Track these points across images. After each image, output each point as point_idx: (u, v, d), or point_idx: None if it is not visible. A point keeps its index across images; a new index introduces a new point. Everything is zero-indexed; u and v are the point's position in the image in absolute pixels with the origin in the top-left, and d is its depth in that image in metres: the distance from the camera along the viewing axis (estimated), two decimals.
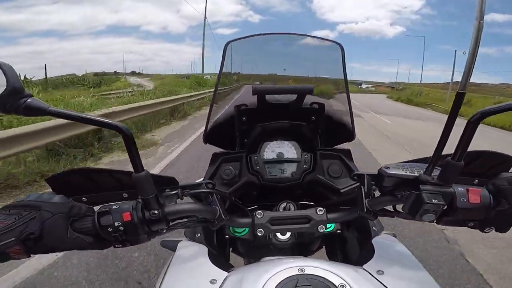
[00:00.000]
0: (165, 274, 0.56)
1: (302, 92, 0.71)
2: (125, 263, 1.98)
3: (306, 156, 0.75)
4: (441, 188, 0.47)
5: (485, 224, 0.50)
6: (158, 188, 0.49)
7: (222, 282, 0.50)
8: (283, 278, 0.45)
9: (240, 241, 0.76)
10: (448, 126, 0.44)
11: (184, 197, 0.58)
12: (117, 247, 0.50)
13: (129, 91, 14.10)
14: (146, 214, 0.48)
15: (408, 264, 0.57)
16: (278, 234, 0.68)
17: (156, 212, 0.48)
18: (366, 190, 0.57)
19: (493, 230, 0.51)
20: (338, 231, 0.71)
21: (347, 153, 0.76)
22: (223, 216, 0.56)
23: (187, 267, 0.59)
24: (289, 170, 0.75)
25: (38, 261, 1.94)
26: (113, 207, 0.48)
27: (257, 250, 0.74)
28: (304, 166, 0.75)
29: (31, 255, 0.46)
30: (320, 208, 0.61)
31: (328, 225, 0.62)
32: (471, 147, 0.45)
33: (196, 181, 0.68)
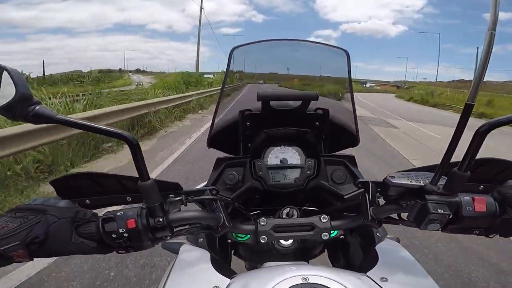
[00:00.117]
0: (167, 278, 0.57)
1: (307, 99, 0.71)
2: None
3: (309, 162, 0.75)
4: (447, 198, 0.47)
5: (491, 231, 0.50)
6: (162, 193, 0.50)
7: None
8: (287, 287, 0.45)
9: (242, 246, 0.77)
10: (456, 137, 0.43)
11: (188, 203, 0.58)
12: (121, 253, 0.50)
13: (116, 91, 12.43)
14: (151, 222, 0.48)
15: (413, 271, 0.56)
16: (281, 240, 0.68)
17: (161, 219, 0.49)
18: (370, 198, 0.57)
19: (498, 235, 0.51)
20: (341, 236, 0.71)
21: (351, 159, 0.76)
22: (226, 224, 0.56)
23: (190, 273, 0.59)
24: (293, 176, 0.75)
25: None
26: (118, 214, 0.48)
27: (259, 255, 0.74)
28: (308, 172, 0.74)
29: (34, 258, 0.46)
30: (324, 215, 0.61)
31: (331, 231, 0.62)
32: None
33: (200, 186, 0.68)
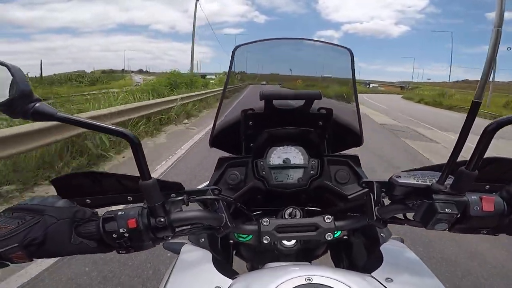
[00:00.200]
0: (168, 279, 0.56)
1: (310, 98, 0.70)
2: None
3: (313, 162, 0.74)
4: (454, 197, 0.46)
5: (498, 231, 0.49)
6: (163, 193, 0.49)
7: None
8: None
9: (244, 246, 0.76)
10: (463, 135, 0.43)
11: (189, 203, 0.57)
12: (121, 253, 0.50)
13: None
14: (152, 221, 0.48)
15: (418, 272, 0.56)
16: (284, 240, 0.67)
17: (162, 219, 0.48)
18: (375, 198, 0.57)
19: (505, 234, 0.50)
20: (345, 237, 0.70)
21: (355, 159, 0.75)
22: (229, 224, 0.56)
23: (191, 273, 0.58)
24: (296, 176, 0.74)
25: None
26: (119, 213, 0.47)
27: (261, 255, 0.74)
28: (311, 172, 0.74)
29: (34, 259, 0.46)
30: (328, 216, 0.60)
31: (335, 232, 0.61)
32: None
33: (202, 186, 0.68)
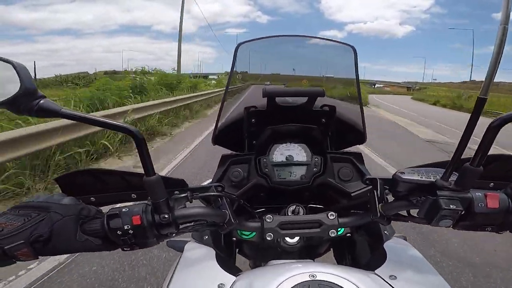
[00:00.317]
0: (172, 276, 0.56)
1: (313, 95, 0.70)
2: None
3: (316, 159, 0.74)
4: (459, 193, 0.46)
5: (503, 228, 0.49)
6: (167, 190, 0.49)
7: (230, 287, 0.50)
8: (294, 285, 0.44)
9: (247, 244, 0.76)
10: (468, 132, 0.43)
11: (193, 200, 0.58)
12: (125, 250, 0.50)
13: None
14: (156, 218, 0.48)
15: (422, 269, 0.56)
16: (287, 238, 0.67)
17: (166, 216, 0.48)
18: (379, 195, 0.57)
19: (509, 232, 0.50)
20: (348, 234, 0.70)
21: (359, 156, 0.75)
22: (232, 221, 0.56)
23: (195, 270, 0.58)
24: (299, 173, 0.74)
25: None
26: (123, 210, 0.47)
27: (264, 253, 0.74)
28: (314, 169, 0.74)
29: (39, 257, 0.46)
30: (332, 212, 0.60)
31: (338, 229, 0.61)
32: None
33: (205, 183, 0.68)
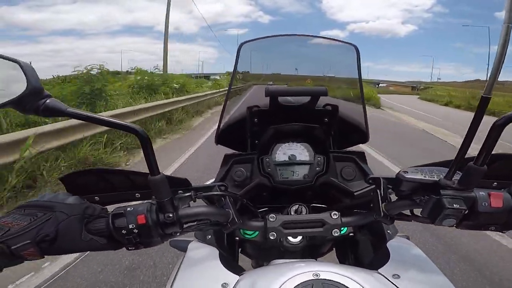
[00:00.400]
0: (176, 275, 0.57)
1: (316, 94, 0.70)
2: None
3: (319, 158, 0.74)
4: (462, 192, 0.46)
5: (506, 227, 0.49)
6: (171, 189, 0.49)
7: (234, 286, 0.50)
8: (297, 284, 0.44)
9: (249, 243, 0.76)
10: (472, 131, 0.43)
11: (196, 199, 0.58)
12: (130, 249, 0.50)
13: None
14: (161, 217, 0.48)
15: (425, 268, 0.55)
16: (290, 237, 0.67)
17: (171, 215, 0.48)
18: (382, 194, 0.56)
19: None
20: (351, 234, 0.70)
21: (361, 155, 0.75)
22: (236, 220, 0.56)
23: (198, 270, 0.59)
24: (301, 172, 0.74)
25: None
26: (128, 209, 0.48)
27: (266, 252, 0.74)
28: (317, 168, 0.74)
29: (45, 256, 0.46)
30: (335, 212, 0.60)
31: (341, 228, 0.61)
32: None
33: (209, 183, 0.68)
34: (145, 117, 6.19)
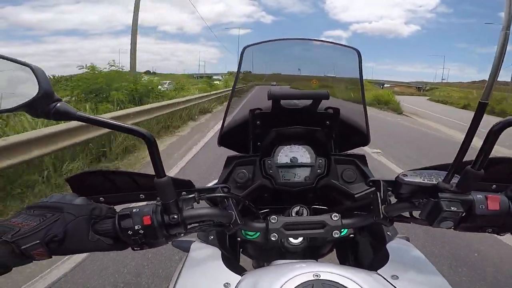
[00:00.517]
0: (178, 275, 0.58)
1: (318, 98, 0.71)
2: None
3: (320, 160, 0.75)
4: (460, 196, 0.47)
5: (504, 230, 0.50)
6: (175, 191, 0.50)
7: (236, 286, 0.51)
8: (298, 284, 0.45)
9: (251, 244, 0.77)
10: (469, 135, 0.44)
11: (200, 200, 0.59)
12: (136, 250, 0.51)
13: None
14: (166, 218, 0.49)
15: (423, 269, 0.56)
16: (291, 238, 0.68)
17: (176, 216, 0.49)
18: (382, 197, 0.57)
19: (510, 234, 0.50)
20: (351, 235, 0.71)
21: (362, 158, 0.76)
22: (238, 221, 0.57)
23: (201, 270, 0.60)
24: (303, 174, 0.75)
25: None
26: (134, 211, 0.49)
27: (268, 253, 0.75)
28: (318, 170, 0.75)
29: (53, 256, 0.46)
30: (335, 213, 0.61)
31: (342, 230, 0.62)
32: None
33: (212, 184, 0.69)
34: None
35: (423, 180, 0.51)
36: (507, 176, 0.56)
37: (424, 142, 7.22)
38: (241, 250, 0.79)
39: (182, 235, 0.53)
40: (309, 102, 0.73)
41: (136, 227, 0.48)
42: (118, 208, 0.53)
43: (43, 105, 0.43)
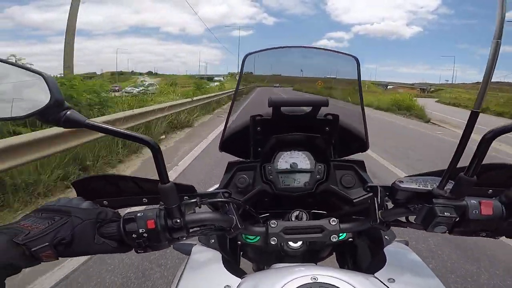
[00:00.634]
0: (180, 278, 0.59)
1: (317, 105, 0.73)
2: None
3: (319, 166, 0.76)
4: (454, 201, 0.48)
5: (497, 234, 0.51)
6: (178, 195, 0.52)
7: None
8: (296, 287, 0.47)
9: (251, 247, 0.78)
10: (462, 143, 0.45)
11: (202, 205, 0.60)
12: (139, 252, 0.53)
13: None
14: (169, 222, 0.51)
15: (420, 272, 0.58)
16: (290, 242, 0.69)
17: (179, 221, 0.51)
18: (379, 202, 0.59)
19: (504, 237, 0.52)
20: (350, 239, 0.72)
21: (361, 164, 0.77)
22: (239, 226, 0.59)
23: (202, 273, 0.61)
24: (302, 180, 0.76)
25: None
26: (138, 215, 0.50)
27: (268, 256, 0.76)
28: (317, 176, 0.76)
29: (60, 258, 0.48)
30: (334, 218, 0.62)
31: (340, 234, 0.64)
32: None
33: (213, 189, 0.71)
34: None
35: (418, 186, 0.53)
36: (502, 181, 0.57)
37: None
38: (241, 253, 0.81)
39: (184, 238, 0.54)
40: (309, 108, 0.75)
41: (140, 231, 0.49)
42: (122, 211, 0.54)
43: (54, 113, 0.44)
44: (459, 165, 0.46)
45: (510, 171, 0.58)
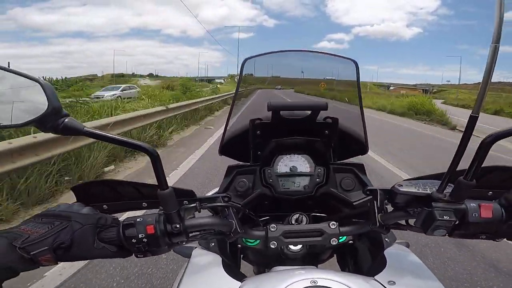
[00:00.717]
0: (180, 282, 0.59)
1: (316, 109, 0.73)
2: None
3: (319, 169, 0.77)
4: (453, 205, 0.48)
5: (497, 236, 0.51)
6: (177, 200, 0.52)
7: None
8: None
9: (251, 250, 0.78)
10: (461, 147, 0.45)
11: (201, 209, 0.60)
12: (139, 257, 0.53)
13: None
14: (168, 227, 0.51)
15: (420, 275, 0.58)
16: (290, 245, 0.69)
17: (178, 226, 0.51)
18: (378, 205, 0.59)
19: (505, 239, 0.52)
20: (350, 242, 0.72)
21: (361, 167, 0.77)
22: (238, 230, 0.59)
23: (202, 276, 0.61)
24: (302, 183, 0.76)
25: None
26: (138, 220, 0.50)
27: (268, 259, 0.76)
28: (317, 179, 0.76)
29: (59, 262, 0.48)
30: (333, 222, 0.62)
31: (340, 237, 0.64)
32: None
33: (212, 193, 0.71)
34: None
35: (417, 190, 0.53)
36: (502, 183, 0.57)
37: None
38: (241, 256, 0.81)
39: (184, 243, 0.54)
40: (308, 112, 0.75)
41: (140, 236, 0.49)
42: (121, 216, 0.54)
43: (52, 120, 0.44)
44: (459, 167, 0.46)
45: (510, 173, 0.58)
